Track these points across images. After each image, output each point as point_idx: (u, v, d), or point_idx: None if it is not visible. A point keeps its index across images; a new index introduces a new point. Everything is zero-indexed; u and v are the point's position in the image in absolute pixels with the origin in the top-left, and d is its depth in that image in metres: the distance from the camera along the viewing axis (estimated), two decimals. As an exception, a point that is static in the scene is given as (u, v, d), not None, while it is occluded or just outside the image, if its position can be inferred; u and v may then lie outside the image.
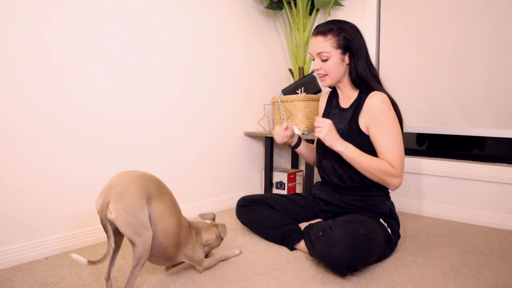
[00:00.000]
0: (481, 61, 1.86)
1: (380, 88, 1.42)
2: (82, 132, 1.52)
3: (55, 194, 1.45)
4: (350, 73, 1.42)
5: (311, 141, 1.93)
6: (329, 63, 1.39)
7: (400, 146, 1.35)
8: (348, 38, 1.37)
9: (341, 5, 2.31)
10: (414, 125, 2.11)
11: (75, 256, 0.87)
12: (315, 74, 2.18)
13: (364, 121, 1.39)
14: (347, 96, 1.48)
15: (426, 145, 2.27)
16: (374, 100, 1.36)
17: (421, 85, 2.07)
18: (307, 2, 2.24)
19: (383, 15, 2.21)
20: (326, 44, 1.38)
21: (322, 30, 1.39)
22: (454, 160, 1.98)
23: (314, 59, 1.45)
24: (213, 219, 1.35)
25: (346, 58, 1.40)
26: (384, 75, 2.21)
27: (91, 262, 0.90)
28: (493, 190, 1.83)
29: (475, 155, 2.01)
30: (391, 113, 1.35)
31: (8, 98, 1.32)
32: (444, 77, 1.99)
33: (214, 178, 2.11)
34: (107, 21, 1.58)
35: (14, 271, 1.28)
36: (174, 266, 1.27)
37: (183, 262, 1.23)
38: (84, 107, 1.52)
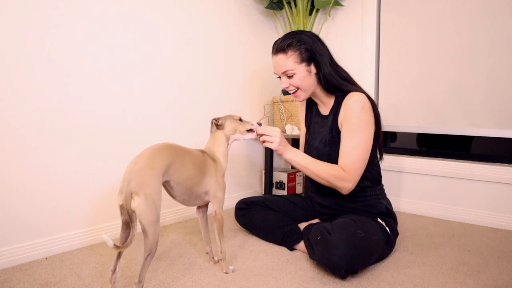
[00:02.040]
0: (481, 61, 1.86)
1: (355, 89, 1.38)
2: (82, 132, 1.52)
3: (55, 194, 1.45)
4: (320, 82, 1.39)
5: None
6: (296, 78, 1.36)
7: (360, 151, 1.30)
8: (309, 49, 1.34)
9: (341, 5, 2.31)
10: (414, 125, 2.11)
11: (105, 237, 0.94)
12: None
13: (340, 122, 1.38)
14: (326, 103, 1.46)
15: (426, 145, 2.27)
16: (349, 100, 1.34)
17: (421, 85, 2.07)
18: (307, 2, 2.24)
19: (383, 15, 2.21)
20: (288, 61, 1.34)
21: (281, 47, 1.35)
22: (454, 160, 1.98)
23: (280, 77, 1.41)
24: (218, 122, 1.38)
25: (312, 68, 1.36)
26: (384, 75, 2.21)
27: (116, 246, 0.96)
28: (493, 190, 1.83)
29: (474, 155, 2.01)
30: (363, 115, 1.31)
31: (8, 98, 1.32)
32: (444, 77, 1.99)
33: (214, 178, 2.11)
34: (107, 22, 1.58)
35: (14, 271, 1.28)
36: (204, 206, 1.36)
37: (209, 202, 1.30)
38: (84, 107, 1.52)
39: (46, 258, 1.40)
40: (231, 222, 1.87)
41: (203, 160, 1.25)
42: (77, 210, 1.52)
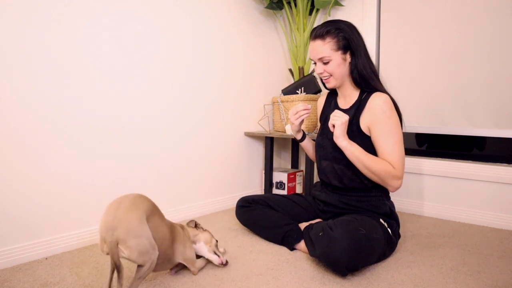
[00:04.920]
0: (481, 61, 1.86)
1: (381, 87, 1.42)
2: (82, 132, 1.52)
3: (55, 194, 1.45)
4: (352, 72, 1.41)
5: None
6: (331, 65, 1.39)
7: (401, 148, 1.35)
8: (347, 38, 1.37)
9: (341, 5, 2.31)
10: (414, 125, 2.11)
11: None
12: (315, 74, 2.18)
13: (366, 122, 1.39)
14: (348, 96, 1.48)
15: (426, 145, 2.27)
16: (377, 101, 1.36)
17: (421, 85, 2.07)
18: (307, 2, 2.25)
19: (383, 15, 2.21)
20: (325, 48, 1.37)
21: (320, 33, 1.38)
22: (454, 160, 1.98)
23: (315, 63, 1.44)
24: (195, 225, 1.33)
25: (348, 57, 1.39)
26: (385, 75, 2.21)
27: None
28: (493, 190, 1.83)
29: (475, 155, 2.01)
30: (393, 115, 1.35)
31: (8, 98, 1.32)
32: (444, 77, 1.99)
33: (214, 178, 2.11)
34: (107, 22, 1.58)
35: (14, 271, 1.28)
36: (175, 267, 1.27)
37: (181, 264, 1.24)
38: (84, 107, 1.52)
39: (46, 258, 1.40)
40: (231, 222, 1.87)
41: (170, 224, 1.20)
42: (77, 210, 1.52)
